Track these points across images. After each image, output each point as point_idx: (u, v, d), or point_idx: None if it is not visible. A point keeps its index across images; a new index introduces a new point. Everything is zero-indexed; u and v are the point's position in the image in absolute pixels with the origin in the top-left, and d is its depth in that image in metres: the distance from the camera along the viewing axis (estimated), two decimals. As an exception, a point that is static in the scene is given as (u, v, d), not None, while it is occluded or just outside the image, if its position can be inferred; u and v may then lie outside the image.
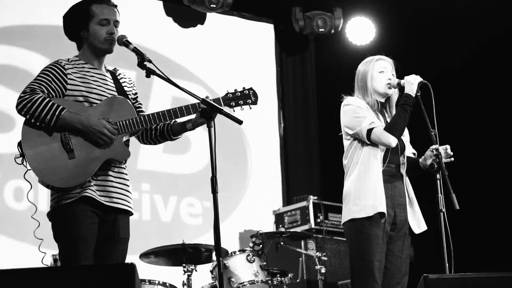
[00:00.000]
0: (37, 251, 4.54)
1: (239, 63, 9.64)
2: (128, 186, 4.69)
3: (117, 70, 4.91)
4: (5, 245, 7.64)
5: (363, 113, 5.19)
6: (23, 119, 4.50)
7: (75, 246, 4.41)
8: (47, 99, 4.45)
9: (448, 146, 5.17)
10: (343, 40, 9.93)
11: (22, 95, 4.46)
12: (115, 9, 4.76)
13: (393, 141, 5.11)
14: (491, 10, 8.88)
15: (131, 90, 4.88)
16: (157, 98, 8.84)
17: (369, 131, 5.13)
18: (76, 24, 4.68)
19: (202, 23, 9.56)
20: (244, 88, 4.79)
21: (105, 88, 4.69)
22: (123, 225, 4.63)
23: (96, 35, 4.66)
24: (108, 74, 4.80)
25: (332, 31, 9.82)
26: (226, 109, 4.56)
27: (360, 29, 9.90)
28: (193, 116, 4.70)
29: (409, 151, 5.40)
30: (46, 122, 4.41)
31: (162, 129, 4.82)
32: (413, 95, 5.16)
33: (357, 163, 5.18)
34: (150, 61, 4.49)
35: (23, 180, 4.51)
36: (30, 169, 4.44)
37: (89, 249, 4.46)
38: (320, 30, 9.78)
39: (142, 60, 4.50)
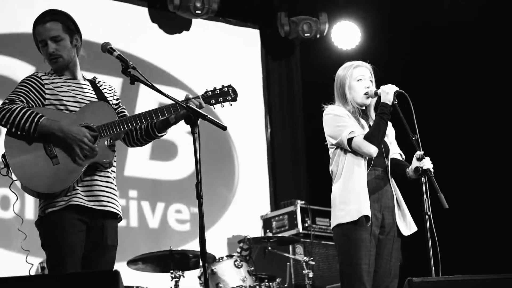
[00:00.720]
0: (25, 259, 4.54)
1: (225, 68, 9.64)
2: (115, 190, 4.69)
3: (96, 78, 4.94)
4: (-8, 253, 7.63)
5: (343, 122, 5.23)
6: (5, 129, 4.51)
7: (62, 254, 4.41)
8: (26, 108, 4.47)
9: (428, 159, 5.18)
10: (329, 45, 9.95)
11: (1, 106, 4.48)
12: (49, 24, 4.71)
13: (373, 150, 5.14)
14: (480, 13, 8.90)
15: (112, 96, 4.89)
16: (143, 103, 8.83)
17: (349, 140, 5.17)
18: (37, 44, 4.76)
19: (187, 29, 9.57)
20: (223, 85, 4.84)
21: (84, 96, 4.71)
22: (111, 232, 4.63)
23: (44, 57, 4.73)
24: (86, 83, 4.82)
25: (318, 35, 9.85)
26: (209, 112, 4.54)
27: (345, 34, 9.92)
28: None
29: (395, 151, 5.41)
30: (25, 130, 4.42)
31: (146, 128, 4.82)
32: (390, 104, 5.18)
33: (342, 170, 5.21)
34: (134, 68, 4.49)
35: (8, 189, 4.51)
36: (16, 180, 4.43)
37: (76, 257, 4.45)
38: (306, 35, 9.81)
39: (126, 67, 4.50)
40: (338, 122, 5.23)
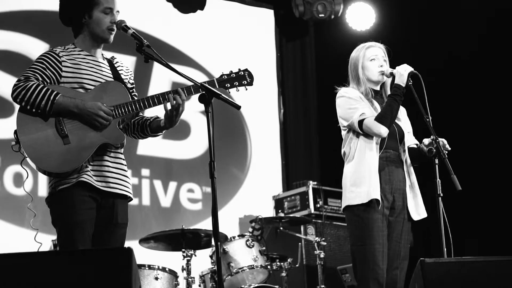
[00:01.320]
0: (37, 236, 4.56)
1: (238, 48, 9.63)
2: (125, 171, 4.68)
3: (115, 58, 4.91)
4: (4, 229, 7.66)
5: (355, 104, 5.24)
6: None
7: (71, 231, 4.41)
8: (41, 85, 4.45)
9: (445, 141, 5.18)
10: (343, 26, 9.91)
11: (16, 83, 4.46)
12: None
13: (383, 131, 5.15)
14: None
15: (127, 79, 4.87)
16: (156, 83, 8.84)
17: (360, 122, 5.19)
18: (79, 8, 4.65)
19: (202, 9, 9.54)
20: (239, 69, 4.78)
21: (101, 74, 4.68)
22: (122, 210, 4.63)
23: (100, 23, 4.65)
24: (105, 62, 4.80)
25: (332, 16, 9.81)
26: (222, 92, 4.52)
27: (360, 15, 9.88)
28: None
29: (412, 142, 5.40)
30: (41, 108, 4.41)
31: (141, 123, 4.81)
32: (403, 85, 5.18)
33: (354, 152, 5.24)
34: (148, 46, 4.49)
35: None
36: (27, 156, 4.44)
37: (86, 234, 4.45)
38: (320, 15, 9.76)
39: (140, 45, 4.50)
40: (350, 104, 5.25)
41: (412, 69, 5.23)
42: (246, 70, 4.78)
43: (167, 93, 4.63)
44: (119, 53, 8.48)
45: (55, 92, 4.44)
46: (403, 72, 5.20)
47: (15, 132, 4.46)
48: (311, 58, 10.25)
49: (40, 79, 4.50)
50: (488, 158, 9.02)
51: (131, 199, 4.72)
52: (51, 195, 4.52)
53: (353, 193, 5.15)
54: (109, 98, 4.59)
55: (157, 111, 4.83)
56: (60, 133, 4.46)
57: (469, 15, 9.01)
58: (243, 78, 4.74)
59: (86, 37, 4.71)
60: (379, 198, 5.06)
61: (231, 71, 4.76)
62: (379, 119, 5.15)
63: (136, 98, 4.81)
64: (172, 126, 4.71)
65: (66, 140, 4.45)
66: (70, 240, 4.40)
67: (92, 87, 4.60)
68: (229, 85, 4.72)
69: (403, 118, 5.42)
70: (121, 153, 4.68)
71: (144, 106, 4.61)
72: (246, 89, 4.76)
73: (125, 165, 4.70)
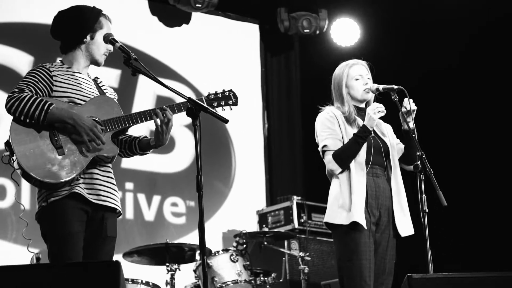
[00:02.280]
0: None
1: (224, 63, 9.64)
2: (114, 185, 4.68)
3: (99, 78, 4.94)
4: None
5: (325, 131, 5.24)
6: (10, 116, 4.49)
7: (65, 243, 4.40)
8: (35, 96, 4.45)
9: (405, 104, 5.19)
10: (328, 41, 9.95)
11: (10, 94, 4.46)
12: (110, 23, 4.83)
13: (335, 169, 5.16)
14: (478, 10, 8.91)
15: (113, 98, 4.88)
16: (141, 97, 8.83)
17: (322, 153, 5.24)
18: (84, 27, 4.70)
19: (187, 23, 9.56)
20: (224, 90, 4.85)
21: (89, 91, 4.71)
22: (111, 223, 4.63)
23: (100, 47, 4.72)
24: (91, 80, 4.83)
25: (317, 32, 9.85)
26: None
27: (345, 30, 9.92)
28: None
29: (401, 150, 5.40)
30: (35, 118, 4.40)
31: (130, 142, 4.83)
32: (370, 129, 5.16)
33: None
34: (136, 60, 4.50)
35: (6, 178, 4.50)
36: (18, 169, 4.42)
37: (79, 247, 4.44)
38: (305, 30, 9.80)
39: (128, 58, 4.51)
40: (321, 130, 5.28)
41: (383, 110, 5.18)
42: (230, 90, 4.87)
43: (157, 108, 4.66)
44: (104, 66, 8.55)
45: (49, 102, 4.44)
46: (373, 114, 5.15)
47: (8, 143, 4.45)
48: (296, 73, 10.27)
49: (34, 91, 4.50)
50: (472, 173, 9.06)
51: (120, 214, 4.73)
52: (43, 208, 4.49)
53: (335, 213, 5.13)
54: (101, 112, 4.60)
55: (145, 131, 4.85)
56: (54, 143, 4.45)
57: (453, 31, 9.08)
58: (228, 98, 4.83)
59: (80, 55, 4.74)
60: (361, 221, 5.04)
61: (217, 91, 4.83)
62: (335, 156, 5.16)
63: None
64: (161, 144, 4.74)
65: (60, 151, 4.45)
66: (63, 252, 4.38)
67: (81, 102, 4.60)
68: (216, 104, 4.81)
69: (389, 133, 5.43)
70: (110, 167, 4.69)
71: (136, 121, 4.64)
72: (231, 109, 4.85)
73: (114, 178, 4.70)
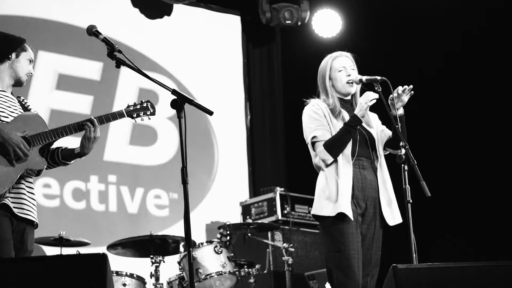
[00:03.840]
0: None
1: (205, 54, 9.64)
2: (35, 199, 4.81)
3: (21, 97, 5.03)
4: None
5: (313, 123, 5.26)
6: None
7: (1, 249, 4.48)
8: None
9: (402, 88, 5.22)
10: (310, 33, 9.95)
11: None
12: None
13: (327, 159, 5.17)
14: (461, 5, 8.92)
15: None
16: (123, 90, 8.81)
17: (312, 144, 5.24)
18: (9, 45, 4.87)
19: (169, 15, 9.53)
20: (141, 101, 5.10)
21: (14, 109, 4.81)
22: (31, 238, 4.77)
23: (24, 67, 4.88)
24: (15, 99, 4.92)
25: (299, 23, 9.85)
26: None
27: (326, 22, 9.91)
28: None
29: (387, 136, 5.42)
30: None
31: (52, 152, 4.96)
32: (361, 118, 5.18)
33: (323, 163, 5.24)
34: (120, 51, 4.50)
35: None
36: None
37: (12, 252, 4.55)
38: (287, 22, 9.80)
39: (112, 50, 4.51)
40: (310, 122, 5.29)
41: (375, 96, 5.20)
42: (148, 101, 5.12)
43: (83, 122, 4.84)
44: (86, 59, 8.53)
45: None
46: (364, 104, 5.18)
47: None
48: (278, 64, 10.28)
49: None
50: (458, 163, 9.09)
51: (37, 226, 4.83)
52: None
53: (322, 204, 5.16)
54: (28, 128, 4.74)
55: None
56: None
57: (438, 23, 9.09)
58: (146, 108, 5.10)
59: (4, 73, 4.86)
60: (347, 212, 5.06)
61: (135, 102, 5.07)
62: (326, 146, 5.18)
63: None
64: (86, 152, 4.90)
65: None
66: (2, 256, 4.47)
67: (6, 119, 4.70)
68: (135, 115, 5.05)
69: (374, 124, 5.44)
70: (32, 182, 4.82)
71: (62, 134, 4.80)
72: (149, 118, 5.12)
73: (34, 194, 4.83)
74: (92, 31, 4.65)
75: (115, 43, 4.56)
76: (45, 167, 4.80)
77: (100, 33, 4.63)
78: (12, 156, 4.57)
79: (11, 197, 4.60)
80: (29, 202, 4.71)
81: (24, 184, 4.71)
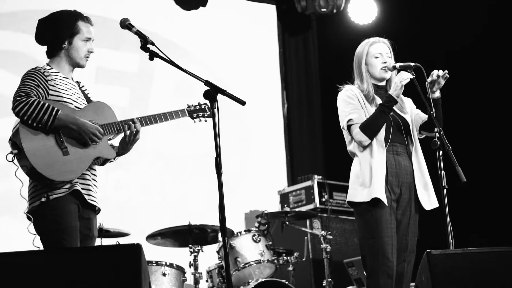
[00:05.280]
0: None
1: (241, 44, 9.65)
2: (97, 186, 4.91)
3: (80, 82, 5.11)
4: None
5: (348, 107, 5.29)
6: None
7: (69, 235, 4.57)
8: (42, 102, 4.62)
9: (439, 73, 5.21)
10: (345, 20, 9.90)
11: (18, 98, 4.61)
12: (92, 27, 5.02)
13: (364, 140, 5.20)
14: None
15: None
16: (160, 82, 8.86)
17: (348, 127, 5.27)
18: (60, 34, 4.88)
19: (204, 5, 9.55)
20: (199, 103, 5.24)
21: (77, 96, 4.91)
22: (95, 224, 4.89)
23: (79, 50, 4.91)
24: (76, 84, 5.00)
25: (334, 10, 9.80)
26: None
27: (362, 9, 9.87)
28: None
29: (422, 120, 5.42)
30: (43, 123, 4.58)
31: None
32: (396, 98, 5.18)
33: (357, 150, 5.28)
34: (153, 44, 4.56)
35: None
36: (23, 166, 4.57)
37: (78, 240, 4.64)
38: (322, 10, 9.76)
39: (145, 42, 4.57)
40: (344, 107, 5.32)
41: (411, 76, 5.20)
42: (206, 103, 5.25)
43: (157, 115, 5.00)
44: (122, 51, 8.59)
45: (56, 108, 4.62)
46: (399, 83, 5.19)
47: (15, 142, 4.60)
48: (314, 53, 10.27)
49: (37, 95, 4.66)
50: (493, 149, 9.03)
51: (99, 211, 4.93)
52: (42, 204, 4.62)
53: (357, 191, 5.21)
54: (99, 117, 4.84)
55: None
56: (59, 144, 4.64)
57: (471, 6, 9.01)
58: (204, 110, 5.26)
59: (63, 61, 4.93)
60: (382, 198, 5.08)
61: (194, 104, 5.23)
62: (362, 128, 5.20)
63: None
64: (125, 152, 5.00)
65: (65, 151, 4.65)
66: (68, 243, 4.53)
67: (72, 106, 4.78)
68: (195, 115, 5.23)
69: (408, 109, 5.44)
70: (96, 169, 4.92)
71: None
72: (206, 121, 5.25)
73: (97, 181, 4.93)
74: (125, 24, 4.71)
75: (150, 35, 4.62)
76: (115, 157, 4.93)
77: (133, 26, 4.69)
78: (88, 142, 4.69)
79: (81, 184, 4.71)
80: (95, 188, 4.83)
81: (89, 171, 4.81)
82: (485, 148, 9.02)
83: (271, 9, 10.17)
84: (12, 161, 4.62)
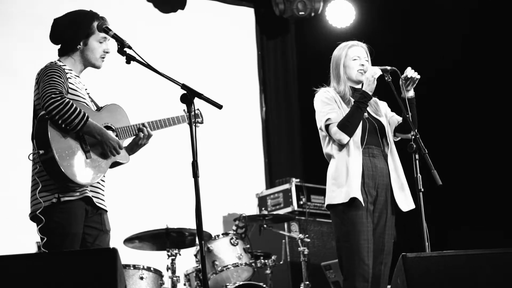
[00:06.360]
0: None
1: (220, 47, 9.65)
2: (104, 188, 4.92)
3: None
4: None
5: (325, 107, 5.33)
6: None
7: (71, 242, 4.56)
8: (75, 105, 4.58)
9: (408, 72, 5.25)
10: (324, 23, 9.93)
11: (53, 96, 4.53)
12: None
13: (343, 138, 5.23)
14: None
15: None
16: (138, 85, 8.84)
17: (326, 127, 5.28)
18: (76, 34, 4.83)
19: (182, 8, 9.55)
20: (197, 109, 5.29)
21: (87, 95, 4.90)
22: (107, 219, 4.87)
23: (94, 51, 4.86)
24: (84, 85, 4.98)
25: (312, 14, 9.84)
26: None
27: (340, 12, 9.90)
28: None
29: (397, 122, 5.46)
30: (72, 126, 4.55)
31: None
32: (370, 94, 5.22)
33: (334, 151, 5.29)
34: (130, 47, 4.57)
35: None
36: (46, 166, 4.54)
37: (78, 246, 4.62)
38: (300, 13, 9.80)
39: (122, 46, 4.58)
40: (322, 107, 5.36)
41: (381, 71, 5.23)
42: (197, 109, 5.31)
43: (167, 119, 5.12)
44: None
45: (87, 114, 4.60)
46: (371, 77, 5.23)
47: (38, 141, 4.56)
48: (292, 56, 10.29)
49: (64, 93, 4.63)
50: (470, 152, 9.07)
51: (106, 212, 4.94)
52: (53, 204, 4.60)
53: (334, 193, 5.23)
54: (114, 120, 4.88)
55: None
56: (83, 147, 4.65)
57: (451, 13, 9.05)
58: (197, 116, 5.31)
59: (77, 61, 4.88)
60: (359, 197, 5.11)
61: (184, 110, 5.09)
62: (340, 126, 5.23)
63: None
64: (130, 154, 5.02)
65: (88, 155, 4.67)
66: (68, 248, 4.52)
67: (84, 105, 4.75)
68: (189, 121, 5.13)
69: (383, 112, 5.48)
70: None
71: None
72: (198, 126, 5.22)
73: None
74: (102, 28, 4.72)
75: (127, 38, 4.62)
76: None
77: (110, 30, 4.71)
78: (108, 154, 4.70)
79: (90, 190, 4.71)
80: (103, 191, 4.84)
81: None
82: (461, 151, 9.06)
83: (250, 12, 10.19)
84: (33, 159, 4.60)
